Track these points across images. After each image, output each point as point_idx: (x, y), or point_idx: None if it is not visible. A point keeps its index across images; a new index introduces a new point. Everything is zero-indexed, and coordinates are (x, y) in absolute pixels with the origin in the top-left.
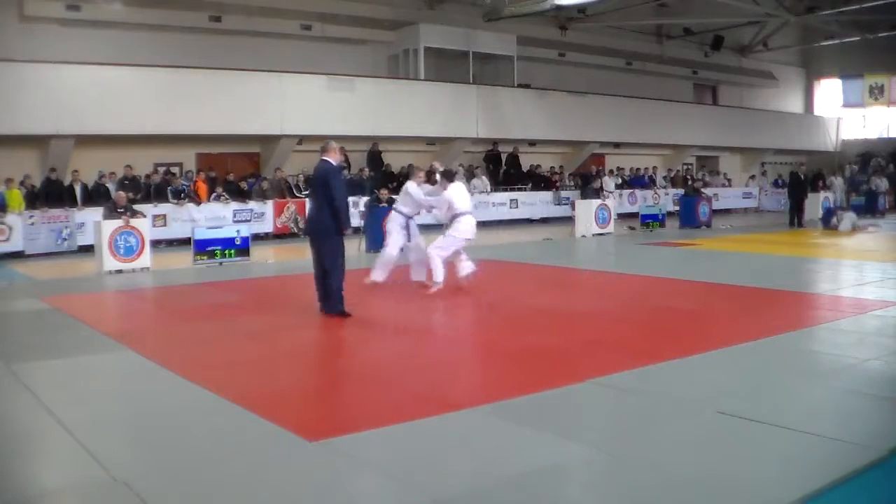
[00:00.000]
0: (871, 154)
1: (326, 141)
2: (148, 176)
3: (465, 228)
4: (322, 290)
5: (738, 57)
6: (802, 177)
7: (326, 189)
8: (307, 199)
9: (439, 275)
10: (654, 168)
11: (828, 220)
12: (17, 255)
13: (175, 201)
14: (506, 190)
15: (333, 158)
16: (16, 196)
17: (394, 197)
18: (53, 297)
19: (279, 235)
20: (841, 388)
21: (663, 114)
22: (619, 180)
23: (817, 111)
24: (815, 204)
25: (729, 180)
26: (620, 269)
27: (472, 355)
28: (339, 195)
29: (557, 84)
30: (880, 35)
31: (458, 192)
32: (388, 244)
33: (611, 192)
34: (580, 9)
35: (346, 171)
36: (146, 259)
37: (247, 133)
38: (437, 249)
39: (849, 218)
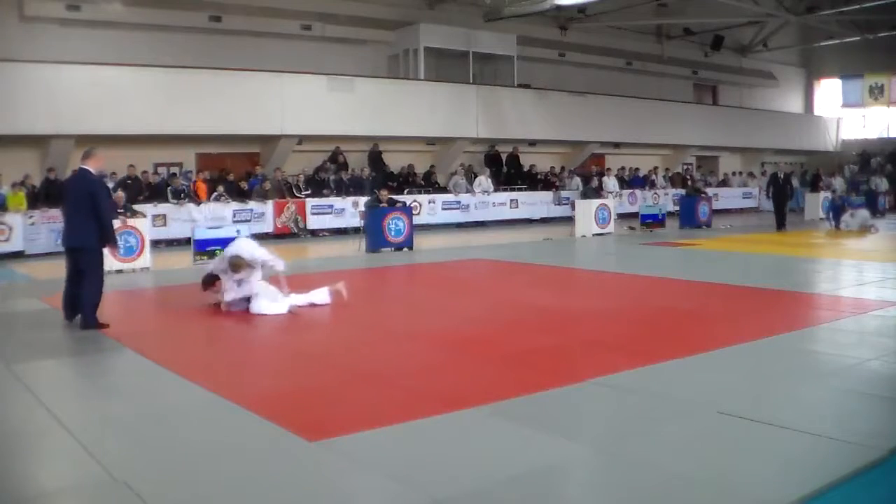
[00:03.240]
0: (870, 154)
1: (91, 146)
2: (145, 173)
3: None
4: (70, 300)
5: (738, 57)
6: (782, 178)
7: (93, 202)
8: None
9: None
10: (655, 168)
11: (837, 219)
12: (17, 255)
13: (175, 201)
14: (506, 190)
15: (95, 167)
16: (20, 198)
17: (394, 197)
18: (53, 297)
19: (279, 235)
20: (841, 388)
21: (663, 114)
22: (617, 188)
23: (817, 111)
24: (816, 204)
25: (729, 174)
26: (620, 269)
27: (471, 355)
28: (105, 209)
29: (557, 84)
30: (880, 35)
31: None
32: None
33: (611, 192)
34: (580, 9)
35: (114, 184)
36: (146, 259)
37: (247, 133)
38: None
39: (860, 216)
